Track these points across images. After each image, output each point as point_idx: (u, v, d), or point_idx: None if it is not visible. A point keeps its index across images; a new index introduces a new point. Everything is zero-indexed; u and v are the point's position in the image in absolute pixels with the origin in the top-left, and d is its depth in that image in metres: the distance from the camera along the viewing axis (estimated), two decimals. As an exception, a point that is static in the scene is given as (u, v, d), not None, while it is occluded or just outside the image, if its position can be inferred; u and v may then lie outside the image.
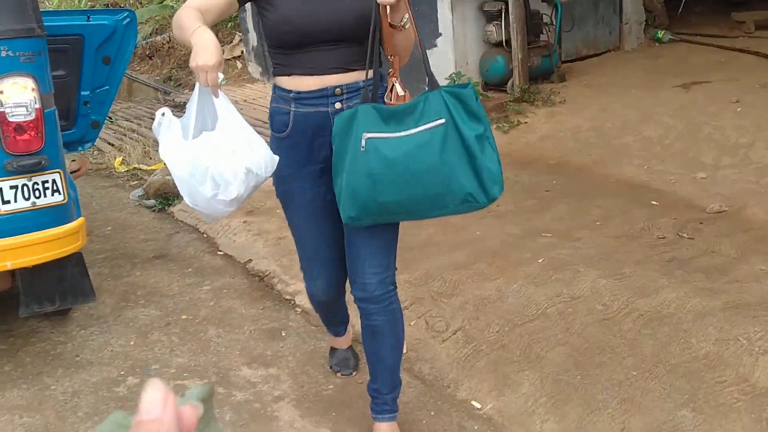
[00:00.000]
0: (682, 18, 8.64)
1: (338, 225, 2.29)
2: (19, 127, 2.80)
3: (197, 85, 1.94)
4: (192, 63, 1.86)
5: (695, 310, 3.08)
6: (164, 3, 10.60)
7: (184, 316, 3.49)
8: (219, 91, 1.92)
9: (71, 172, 4.04)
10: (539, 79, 6.73)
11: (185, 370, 3.02)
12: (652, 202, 4.36)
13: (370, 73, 2.09)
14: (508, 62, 6.49)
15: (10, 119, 2.77)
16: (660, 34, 7.88)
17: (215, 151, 1.88)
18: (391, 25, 2.03)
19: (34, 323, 3.39)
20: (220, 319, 3.46)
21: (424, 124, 1.95)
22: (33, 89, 2.81)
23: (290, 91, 2.14)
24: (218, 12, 2.07)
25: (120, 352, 3.18)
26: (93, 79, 3.87)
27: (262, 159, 1.96)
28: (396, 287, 2.34)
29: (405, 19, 2.03)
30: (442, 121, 1.94)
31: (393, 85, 2.10)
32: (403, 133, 1.96)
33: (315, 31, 2.06)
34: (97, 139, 4.91)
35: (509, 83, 6.53)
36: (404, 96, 2.08)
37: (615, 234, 3.93)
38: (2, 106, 2.74)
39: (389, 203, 2.00)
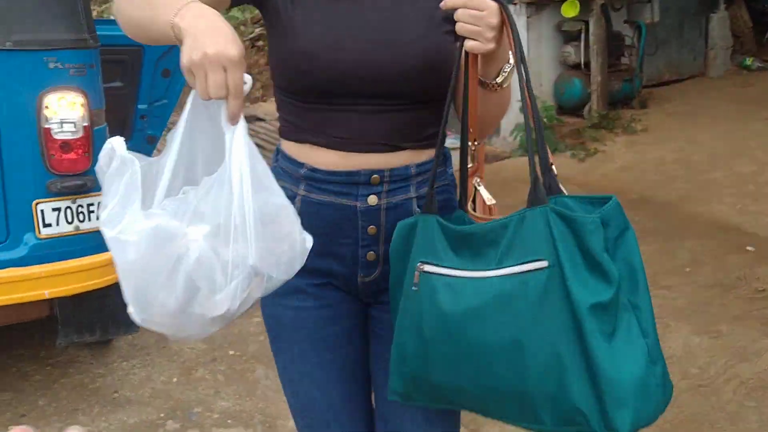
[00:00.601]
0: (769, 44, 8.14)
1: (362, 376, 1.43)
2: (66, 145, 2.59)
3: (190, 100, 1.09)
4: (194, 54, 1.00)
5: (807, 382, 2.69)
6: (230, 14, 10.56)
7: (231, 352, 3.24)
8: (241, 114, 1.03)
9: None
10: (618, 104, 6.35)
11: (229, 416, 2.76)
12: (747, 248, 3.95)
13: (426, 154, 1.30)
14: (585, 85, 6.13)
15: (56, 136, 2.57)
16: (748, 60, 7.40)
17: (200, 226, 1.02)
18: (481, 83, 1.25)
19: (73, 352, 3.19)
20: (269, 357, 3.15)
21: (512, 266, 1.10)
22: (82, 105, 2.60)
23: (301, 165, 1.30)
24: None
25: (161, 390, 2.94)
26: (151, 92, 3.70)
27: (288, 247, 1.06)
28: None
29: (505, 73, 1.26)
30: (544, 264, 1.07)
31: (475, 188, 1.28)
32: (476, 273, 1.12)
33: (354, 78, 1.23)
34: (154, 153, 4.74)
35: (586, 108, 6.16)
36: (492, 207, 1.26)
37: (707, 283, 3.55)
38: (48, 122, 2.54)
39: (445, 387, 1.18)
